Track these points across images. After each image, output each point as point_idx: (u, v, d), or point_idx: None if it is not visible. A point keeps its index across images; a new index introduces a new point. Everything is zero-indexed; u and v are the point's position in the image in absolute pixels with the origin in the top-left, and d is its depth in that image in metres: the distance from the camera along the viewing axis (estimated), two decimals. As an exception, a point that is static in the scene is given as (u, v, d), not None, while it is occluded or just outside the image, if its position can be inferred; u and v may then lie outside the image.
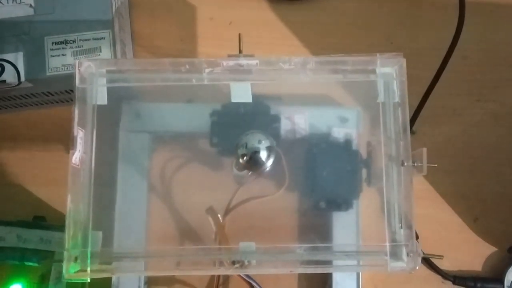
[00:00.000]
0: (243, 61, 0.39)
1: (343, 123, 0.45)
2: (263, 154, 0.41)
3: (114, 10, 0.48)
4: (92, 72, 0.39)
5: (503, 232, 0.51)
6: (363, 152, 0.44)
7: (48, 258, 0.46)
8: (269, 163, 0.41)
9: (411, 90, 0.51)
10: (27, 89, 0.48)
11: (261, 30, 0.56)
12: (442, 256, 0.45)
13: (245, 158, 0.41)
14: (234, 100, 0.40)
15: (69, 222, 0.37)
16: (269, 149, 0.41)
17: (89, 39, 0.46)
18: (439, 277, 0.50)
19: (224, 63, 0.39)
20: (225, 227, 0.42)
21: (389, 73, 0.40)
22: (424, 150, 0.37)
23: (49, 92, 0.49)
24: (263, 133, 0.42)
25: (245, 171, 0.42)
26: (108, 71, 0.40)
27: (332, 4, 0.56)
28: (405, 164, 0.38)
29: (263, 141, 0.41)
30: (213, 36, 0.56)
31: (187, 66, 0.39)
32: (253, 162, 0.41)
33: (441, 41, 0.52)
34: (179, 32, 0.56)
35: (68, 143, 0.38)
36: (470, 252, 0.51)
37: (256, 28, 0.56)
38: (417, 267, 0.37)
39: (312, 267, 0.40)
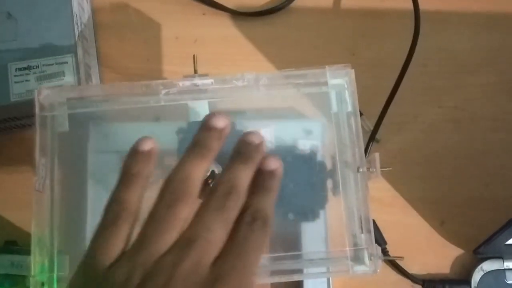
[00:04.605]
0: (198, 81, 0.40)
1: (308, 135, 0.46)
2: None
3: (77, 34, 0.49)
4: (51, 102, 0.40)
5: (469, 234, 0.52)
6: (328, 163, 0.45)
7: (20, 282, 0.46)
8: None
9: (373, 99, 0.53)
10: (-9, 115, 0.48)
11: (225, 47, 0.57)
12: (402, 257, 0.48)
13: None
14: (193, 119, 0.41)
15: (34, 248, 0.37)
16: (212, 175, 0.41)
17: (52, 64, 0.47)
18: (408, 281, 0.51)
19: (180, 84, 0.40)
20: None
21: (340, 84, 0.41)
22: (377, 155, 0.38)
23: (15, 117, 0.49)
24: None
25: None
26: (68, 99, 0.40)
27: (295, 19, 0.58)
28: (360, 170, 0.39)
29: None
30: (179, 54, 0.57)
31: (143, 89, 0.40)
32: None
33: (401, 50, 0.54)
34: (146, 52, 0.57)
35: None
36: (438, 255, 0.52)
37: (220, 44, 0.57)
38: (378, 270, 0.38)
39: (281, 276, 0.40)
